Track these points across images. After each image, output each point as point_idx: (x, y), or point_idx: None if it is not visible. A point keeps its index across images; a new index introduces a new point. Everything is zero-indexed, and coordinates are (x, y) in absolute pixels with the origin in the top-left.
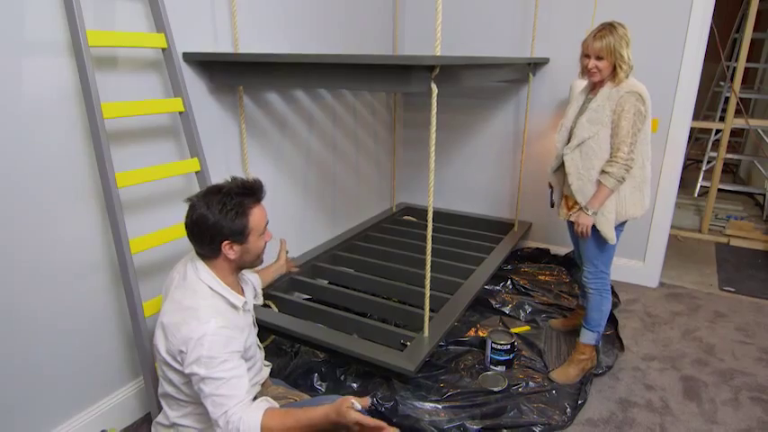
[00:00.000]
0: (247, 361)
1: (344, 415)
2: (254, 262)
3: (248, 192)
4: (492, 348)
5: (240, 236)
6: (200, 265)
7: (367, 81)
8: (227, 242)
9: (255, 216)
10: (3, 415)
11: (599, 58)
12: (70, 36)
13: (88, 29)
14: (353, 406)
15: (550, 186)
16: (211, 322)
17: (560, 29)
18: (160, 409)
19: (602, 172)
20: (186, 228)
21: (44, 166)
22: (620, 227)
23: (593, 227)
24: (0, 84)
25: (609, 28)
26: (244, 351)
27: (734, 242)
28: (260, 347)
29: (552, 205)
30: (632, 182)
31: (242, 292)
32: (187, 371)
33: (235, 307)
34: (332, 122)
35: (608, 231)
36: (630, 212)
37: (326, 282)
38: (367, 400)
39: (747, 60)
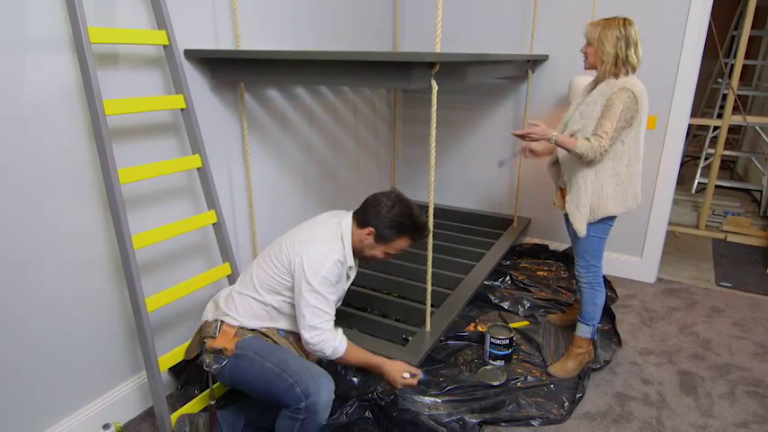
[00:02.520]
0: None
1: (395, 382)
2: (364, 257)
3: (417, 228)
4: (491, 343)
5: (381, 238)
6: (350, 220)
7: (367, 78)
8: (371, 229)
9: (401, 241)
10: (6, 409)
11: (588, 44)
12: (72, 33)
13: (89, 25)
14: (405, 377)
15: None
16: (337, 254)
17: (560, 26)
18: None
19: (585, 138)
20: (371, 196)
21: (46, 162)
22: (607, 221)
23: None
24: (2, 80)
25: (608, 19)
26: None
27: (731, 238)
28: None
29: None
30: (616, 179)
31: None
32: (307, 277)
33: (345, 263)
34: (332, 119)
35: (578, 224)
36: (611, 209)
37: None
38: (417, 375)
39: (745, 57)
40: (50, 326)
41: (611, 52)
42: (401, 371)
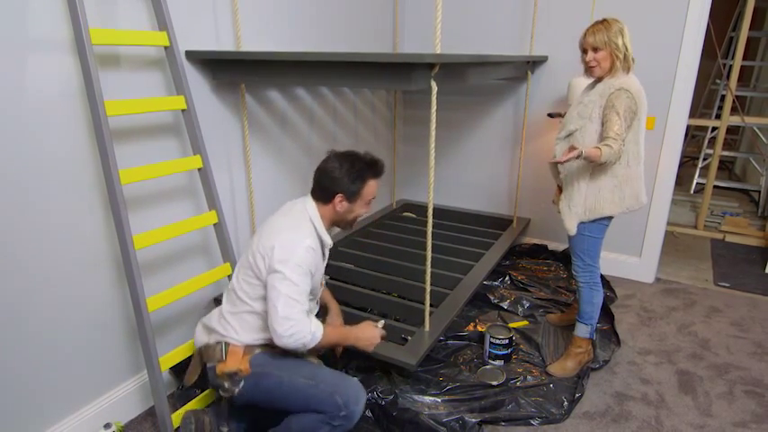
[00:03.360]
0: (310, 302)
1: (372, 340)
2: (348, 223)
3: (373, 165)
4: (490, 343)
5: (352, 195)
6: (311, 203)
7: (368, 79)
8: (340, 195)
9: (369, 186)
10: (8, 409)
11: (596, 49)
12: (73, 34)
13: (91, 27)
14: (378, 328)
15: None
16: (308, 240)
17: (559, 27)
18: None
19: (604, 144)
20: (316, 171)
21: (48, 162)
22: (604, 221)
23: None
24: (4, 81)
25: (602, 22)
26: (311, 287)
27: (729, 238)
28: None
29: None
30: (614, 180)
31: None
32: (277, 266)
33: (322, 243)
34: (332, 119)
35: (568, 222)
36: (606, 210)
37: (328, 277)
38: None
39: (743, 58)
40: (52, 326)
41: (622, 47)
42: (371, 338)
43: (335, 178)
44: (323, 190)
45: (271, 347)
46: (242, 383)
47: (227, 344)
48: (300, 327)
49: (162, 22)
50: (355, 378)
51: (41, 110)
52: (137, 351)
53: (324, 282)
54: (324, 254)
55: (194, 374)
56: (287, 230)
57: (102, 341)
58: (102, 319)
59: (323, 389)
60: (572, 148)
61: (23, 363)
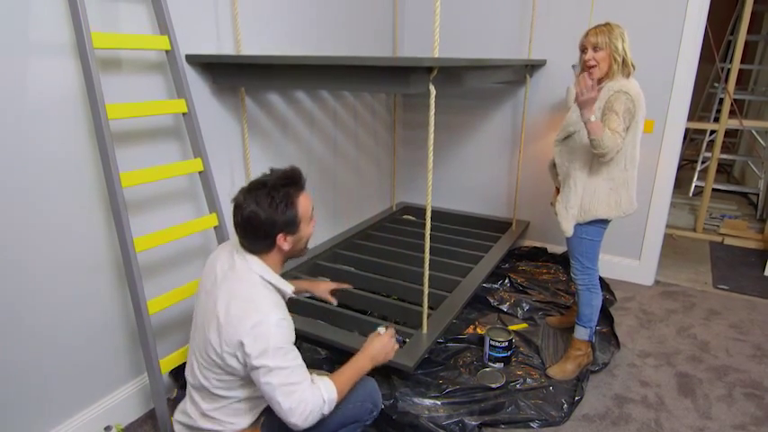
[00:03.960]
0: None
1: (389, 356)
2: (302, 250)
3: (291, 182)
4: (490, 345)
5: (293, 226)
6: (250, 257)
7: (367, 82)
8: (281, 235)
9: (302, 204)
10: (7, 411)
11: (596, 49)
12: (75, 38)
13: (93, 31)
14: (384, 335)
15: None
16: (272, 315)
17: (558, 31)
18: (175, 403)
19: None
20: (238, 227)
21: (49, 165)
22: (601, 224)
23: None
24: (6, 85)
25: (605, 25)
26: None
27: (728, 241)
28: None
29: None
30: (610, 183)
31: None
32: (255, 363)
33: (283, 296)
34: (332, 123)
35: (564, 223)
36: (601, 212)
37: (328, 279)
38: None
39: (741, 62)
40: (52, 328)
41: (622, 51)
42: (384, 347)
43: (264, 222)
44: (257, 241)
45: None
46: None
47: None
48: (312, 406)
49: (163, 26)
50: (371, 378)
51: (43, 113)
52: (137, 354)
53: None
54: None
55: None
56: (245, 314)
57: (102, 344)
58: (102, 322)
59: (356, 404)
60: (593, 88)
61: (24, 365)
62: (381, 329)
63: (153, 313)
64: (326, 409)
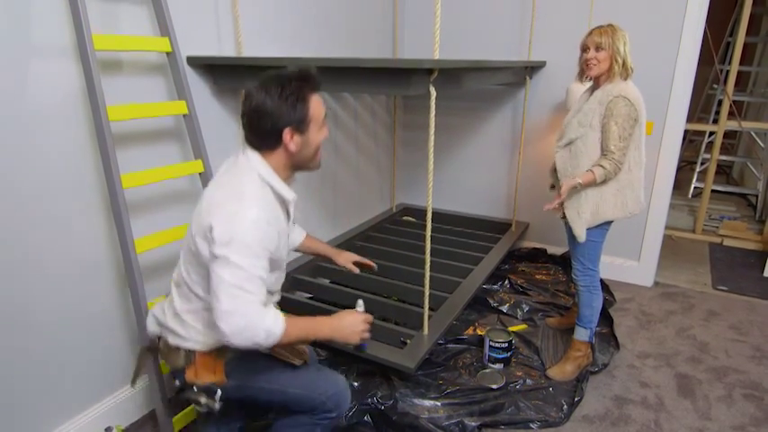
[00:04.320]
0: (272, 272)
1: (350, 340)
2: (311, 160)
3: (305, 79)
4: (490, 346)
5: (301, 124)
6: (253, 154)
7: (368, 84)
8: (288, 130)
9: (314, 104)
10: (8, 412)
11: (598, 49)
12: (76, 40)
13: (94, 33)
14: (360, 312)
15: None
16: (254, 209)
17: (557, 33)
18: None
19: (598, 165)
20: (244, 118)
21: (50, 166)
22: (604, 226)
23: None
24: (8, 86)
25: (609, 26)
26: (273, 260)
27: (727, 242)
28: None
29: (552, 187)
30: (616, 184)
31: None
32: (216, 251)
33: (283, 201)
34: (333, 124)
35: (579, 230)
36: (609, 214)
37: (328, 281)
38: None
39: (740, 64)
40: (52, 329)
41: (623, 54)
42: (352, 326)
43: (271, 112)
44: (263, 135)
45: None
46: (219, 394)
47: (191, 352)
48: (250, 321)
49: (164, 28)
50: (341, 376)
51: (44, 114)
52: (137, 354)
53: (305, 234)
54: (288, 212)
55: (140, 374)
56: (227, 201)
57: (102, 345)
58: (103, 323)
59: (315, 396)
60: (565, 186)
61: (24, 366)
62: (360, 308)
63: None
64: (263, 339)
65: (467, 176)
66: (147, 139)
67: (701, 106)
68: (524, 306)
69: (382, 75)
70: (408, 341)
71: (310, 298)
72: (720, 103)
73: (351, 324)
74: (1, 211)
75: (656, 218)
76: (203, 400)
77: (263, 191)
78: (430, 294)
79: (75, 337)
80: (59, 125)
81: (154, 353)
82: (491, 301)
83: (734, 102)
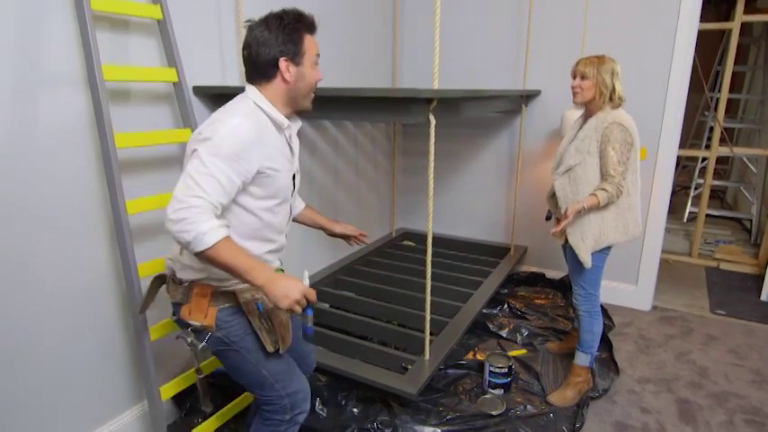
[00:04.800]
0: (276, 200)
1: (280, 303)
2: (305, 97)
3: (303, 18)
4: (490, 372)
5: (297, 55)
6: (250, 87)
7: (369, 113)
8: (284, 59)
9: (309, 41)
10: None
11: (583, 77)
12: (86, 70)
13: (103, 63)
14: (307, 288)
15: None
16: (237, 118)
17: (551, 63)
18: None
19: (600, 188)
20: (244, 50)
21: (59, 191)
22: (605, 250)
23: (574, 252)
24: (20, 113)
25: (598, 57)
26: (269, 183)
27: (723, 266)
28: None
29: (547, 219)
30: (617, 208)
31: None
32: (194, 145)
33: (277, 126)
34: (334, 151)
35: (584, 255)
36: (612, 238)
37: (328, 305)
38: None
39: (730, 91)
40: (52, 353)
41: (609, 84)
42: (288, 290)
43: (268, 41)
44: (260, 65)
45: (240, 309)
46: (206, 340)
47: (191, 284)
48: (188, 216)
49: (171, 59)
50: (307, 383)
51: (54, 140)
52: (137, 380)
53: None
54: (288, 141)
55: (149, 302)
56: (218, 115)
57: (102, 370)
58: (102, 348)
59: (277, 388)
60: (571, 210)
61: (22, 391)
62: (306, 280)
63: (155, 339)
64: (191, 239)
65: (465, 201)
66: (152, 166)
67: (693, 132)
68: (524, 331)
69: (383, 104)
70: (409, 366)
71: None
72: (712, 129)
73: (287, 287)
74: (5, 234)
75: (653, 242)
76: (189, 339)
77: (254, 111)
78: (430, 319)
79: (74, 362)
80: (68, 151)
81: (160, 283)
82: (490, 326)
83: (725, 128)
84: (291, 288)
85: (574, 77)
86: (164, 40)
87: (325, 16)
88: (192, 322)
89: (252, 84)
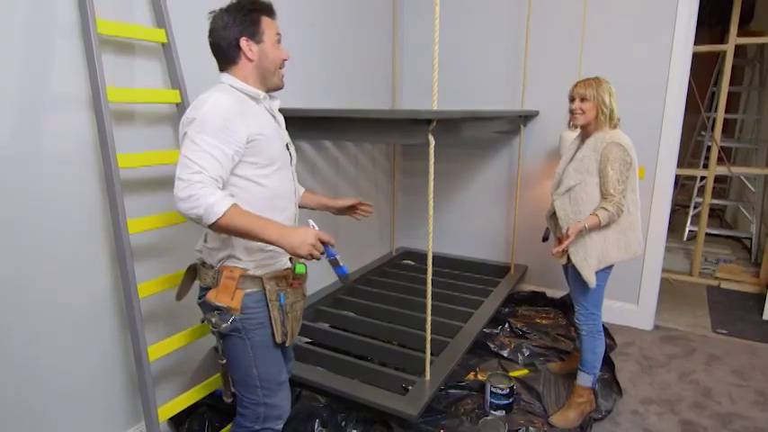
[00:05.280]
0: (275, 165)
1: (298, 251)
2: (273, 74)
3: (258, 1)
4: (491, 392)
5: (256, 33)
6: (224, 75)
7: (369, 133)
8: (244, 38)
9: (267, 22)
10: None
11: (583, 100)
12: (91, 92)
13: (108, 85)
14: (318, 231)
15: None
16: (216, 94)
17: (549, 83)
18: None
19: (600, 208)
20: (209, 37)
21: (61, 209)
22: (607, 269)
23: (576, 272)
24: (26, 133)
25: (594, 79)
26: (261, 150)
27: (724, 285)
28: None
29: (544, 239)
30: (617, 227)
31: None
32: (185, 129)
33: (255, 99)
34: (334, 171)
35: (588, 275)
36: (614, 257)
37: (328, 325)
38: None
39: (726, 112)
40: (52, 372)
41: (609, 105)
42: (303, 242)
43: (228, 25)
44: (224, 48)
45: (261, 288)
46: (230, 321)
47: (220, 269)
48: (194, 192)
49: (175, 81)
50: (288, 407)
51: (58, 161)
52: (135, 401)
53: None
54: (269, 110)
55: (185, 292)
56: (200, 97)
57: (100, 390)
58: (100, 368)
59: (258, 393)
60: (572, 229)
61: (20, 411)
62: (315, 227)
63: (153, 360)
64: (202, 212)
65: (465, 220)
66: (154, 187)
67: (691, 152)
68: (525, 350)
69: (384, 125)
70: (410, 387)
71: (309, 342)
72: (709, 148)
73: (301, 235)
74: (7, 251)
75: (653, 261)
76: (214, 319)
77: (230, 90)
78: (431, 339)
79: (72, 382)
80: (71, 171)
81: (194, 272)
82: (491, 346)
83: (722, 147)
84: (305, 234)
85: (572, 101)
86: (168, 62)
87: (327, 36)
88: (218, 303)
89: (223, 72)
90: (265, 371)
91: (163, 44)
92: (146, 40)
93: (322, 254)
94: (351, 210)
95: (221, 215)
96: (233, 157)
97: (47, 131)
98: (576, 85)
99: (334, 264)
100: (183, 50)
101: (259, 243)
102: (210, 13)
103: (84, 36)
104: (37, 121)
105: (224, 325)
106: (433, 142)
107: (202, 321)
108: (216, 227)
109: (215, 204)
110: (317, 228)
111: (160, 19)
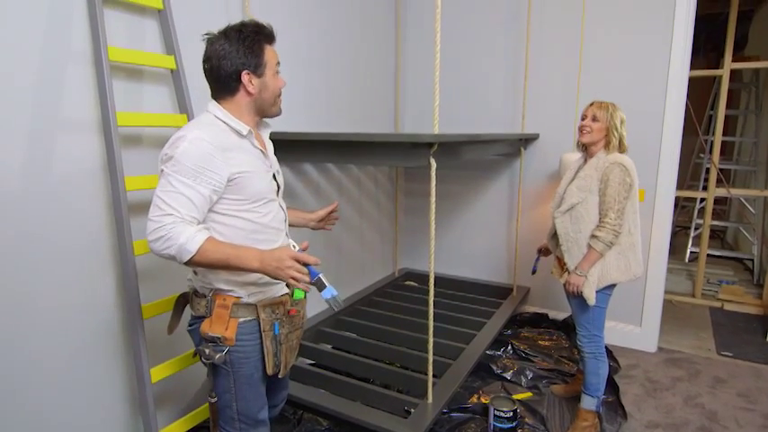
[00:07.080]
0: (261, 201)
1: (280, 275)
2: (272, 105)
3: (262, 29)
4: (495, 416)
5: (258, 66)
6: (212, 102)
7: (372, 156)
8: (246, 72)
9: (269, 52)
10: None
11: (594, 119)
12: (101, 116)
13: (118, 110)
14: (295, 252)
15: (538, 252)
16: (195, 131)
17: (548, 108)
18: None
19: (592, 236)
20: (205, 63)
21: (69, 231)
22: (607, 290)
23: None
24: (36, 156)
25: (610, 103)
26: (247, 187)
27: (728, 306)
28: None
29: (533, 272)
30: (617, 247)
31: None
32: (162, 166)
33: (239, 134)
34: (337, 192)
35: (588, 292)
36: (614, 276)
37: (330, 346)
38: (305, 244)
39: (723, 134)
40: (54, 391)
41: (620, 129)
42: (281, 263)
43: (229, 54)
44: (223, 78)
45: (255, 316)
46: (224, 353)
47: (213, 296)
48: (166, 233)
49: (183, 106)
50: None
51: (67, 183)
52: (137, 422)
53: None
54: (253, 145)
55: (175, 324)
56: (179, 132)
57: (100, 411)
58: (101, 389)
59: (236, 427)
60: (574, 286)
61: (24, 426)
62: (295, 246)
63: (155, 381)
64: (175, 252)
65: (467, 242)
66: None
67: (690, 174)
68: (528, 373)
69: (386, 148)
70: (412, 410)
71: (312, 364)
72: (708, 171)
73: (276, 257)
74: (15, 272)
75: (655, 282)
76: (207, 350)
77: (213, 122)
78: (433, 361)
79: (73, 404)
80: (80, 193)
81: (185, 301)
82: (494, 368)
83: (721, 169)
84: (279, 256)
85: (583, 118)
86: (176, 88)
87: (331, 64)
88: (213, 335)
89: (216, 99)
90: (245, 407)
91: (171, 70)
92: (155, 66)
93: (306, 275)
94: (327, 218)
95: (194, 252)
96: (210, 197)
97: (58, 153)
98: (591, 104)
99: (319, 286)
100: (191, 76)
101: (246, 274)
102: (206, 35)
103: (96, 63)
104: (50, 144)
105: (218, 356)
106: (434, 165)
107: (194, 354)
108: (192, 264)
109: (186, 243)
110: (297, 248)
111: (170, 46)
